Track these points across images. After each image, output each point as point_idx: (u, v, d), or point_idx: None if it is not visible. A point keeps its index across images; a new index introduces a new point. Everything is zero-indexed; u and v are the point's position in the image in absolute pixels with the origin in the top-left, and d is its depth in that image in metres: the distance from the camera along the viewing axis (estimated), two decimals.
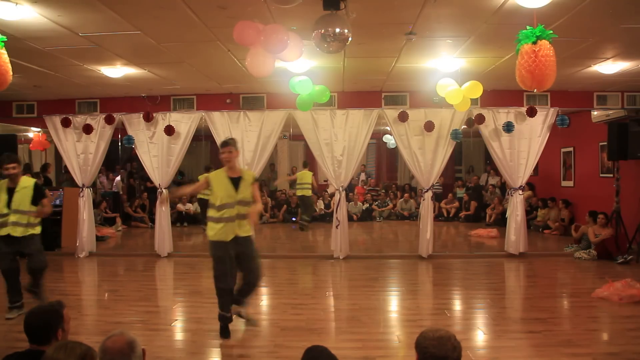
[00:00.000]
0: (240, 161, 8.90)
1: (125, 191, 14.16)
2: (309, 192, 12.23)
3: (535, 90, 4.30)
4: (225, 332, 4.82)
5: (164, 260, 8.91)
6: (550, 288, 7.05)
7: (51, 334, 2.56)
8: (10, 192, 5.34)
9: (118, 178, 14.05)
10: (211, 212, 4.80)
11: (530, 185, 12.39)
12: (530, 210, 12.25)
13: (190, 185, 5.83)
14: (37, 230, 5.50)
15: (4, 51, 4.33)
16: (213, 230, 4.76)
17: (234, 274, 4.82)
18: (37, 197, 5.43)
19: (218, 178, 4.82)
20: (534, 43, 4.01)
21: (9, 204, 5.30)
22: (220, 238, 4.74)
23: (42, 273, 5.57)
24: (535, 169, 10.19)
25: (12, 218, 5.30)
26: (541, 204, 12.38)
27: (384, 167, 18.33)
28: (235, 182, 4.76)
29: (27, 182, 5.46)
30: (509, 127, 8.68)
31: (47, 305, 2.70)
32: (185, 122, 9.09)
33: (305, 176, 12.08)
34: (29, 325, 2.57)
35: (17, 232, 5.32)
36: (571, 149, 11.69)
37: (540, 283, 7.37)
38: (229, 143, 4.82)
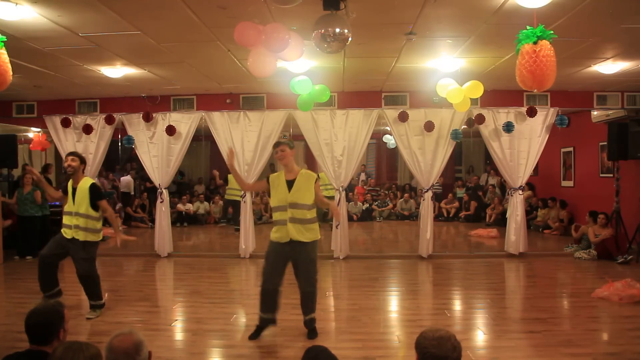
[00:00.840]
0: (241, 161, 8.91)
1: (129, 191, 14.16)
2: (332, 193, 12.03)
3: (535, 90, 4.30)
4: (254, 334, 4.75)
5: (164, 261, 8.92)
6: (550, 288, 7.05)
7: (53, 335, 2.55)
8: (74, 191, 5.34)
9: (128, 177, 14.03)
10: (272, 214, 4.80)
11: (530, 185, 12.39)
12: (530, 210, 12.26)
13: (253, 182, 5.46)
14: (98, 237, 5.45)
15: (4, 51, 4.32)
16: (272, 231, 4.75)
17: (279, 276, 4.69)
18: (94, 198, 5.36)
19: (276, 180, 4.72)
20: (535, 43, 4.01)
21: (74, 201, 5.32)
22: (274, 239, 4.69)
23: (87, 281, 5.44)
24: (535, 169, 10.19)
25: (74, 221, 5.30)
26: (541, 204, 12.38)
27: (384, 167, 18.33)
28: (290, 184, 4.63)
29: (85, 183, 5.39)
30: (508, 127, 8.68)
31: (48, 305, 2.69)
32: (185, 122, 9.09)
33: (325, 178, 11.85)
34: (31, 326, 2.55)
35: (80, 235, 5.30)
36: (571, 149, 11.69)
37: (540, 283, 7.37)
38: (281, 142, 4.69)
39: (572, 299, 6.44)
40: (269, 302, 4.72)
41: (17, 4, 4.60)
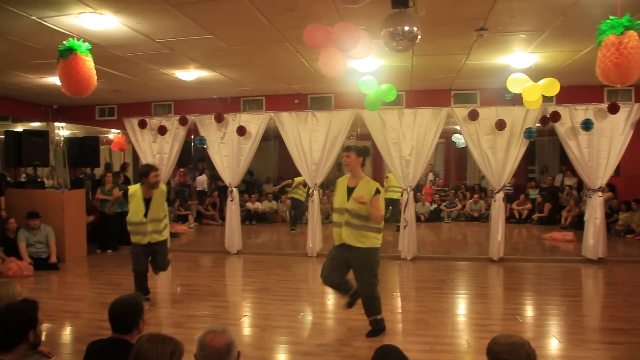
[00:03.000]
0: (308, 161, 9.00)
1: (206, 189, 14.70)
2: (398, 195, 11.50)
3: (618, 85, 4.03)
4: (349, 304, 4.91)
5: (233, 257, 9.18)
6: (634, 297, 6.57)
7: (133, 324, 2.71)
8: (147, 202, 5.64)
9: (204, 177, 14.59)
10: None
11: (610, 186, 11.65)
12: (610, 213, 11.53)
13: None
14: (166, 234, 6.03)
15: (90, 58, 4.61)
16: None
17: (337, 273, 4.75)
18: (165, 200, 5.92)
19: (340, 183, 4.81)
20: (621, 34, 3.75)
21: (146, 214, 5.62)
22: (335, 241, 4.79)
23: (162, 271, 6.24)
24: (617, 170, 9.56)
25: (150, 227, 5.66)
26: (624, 206, 11.61)
27: (453, 167, 17.93)
28: (351, 191, 4.64)
29: (160, 191, 5.75)
30: (587, 125, 8.19)
31: (129, 297, 2.85)
32: (254, 123, 9.28)
33: (394, 179, 11.25)
34: (115, 315, 2.72)
35: (155, 239, 5.73)
36: None
37: (622, 291, 6.90)
38: (350, 148, 4.70)
39: None
40: (337, 291, 4.92)
41: (101, 14, 4.90)
